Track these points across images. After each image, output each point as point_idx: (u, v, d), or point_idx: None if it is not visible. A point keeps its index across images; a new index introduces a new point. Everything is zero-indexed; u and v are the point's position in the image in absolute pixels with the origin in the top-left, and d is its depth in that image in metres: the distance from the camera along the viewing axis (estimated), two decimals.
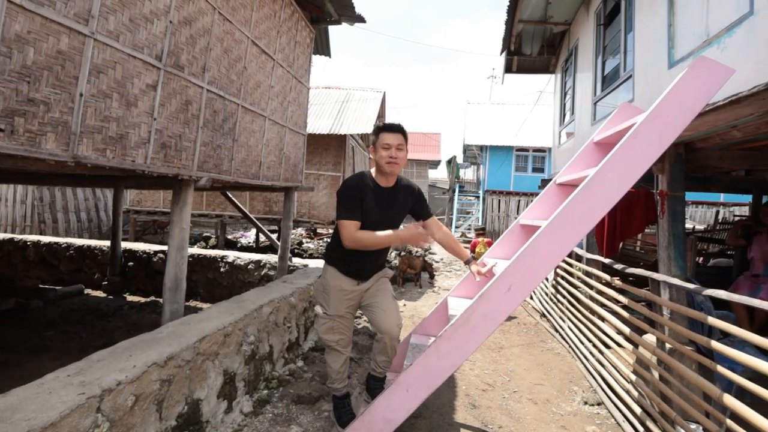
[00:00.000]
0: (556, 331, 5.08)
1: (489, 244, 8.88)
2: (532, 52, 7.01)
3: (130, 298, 6.37)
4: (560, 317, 5.05)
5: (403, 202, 2.52)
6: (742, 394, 2.04)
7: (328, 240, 13.61)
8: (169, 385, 2.20)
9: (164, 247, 6.69)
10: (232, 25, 3.78)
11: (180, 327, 2.72)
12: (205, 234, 13.45)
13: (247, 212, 6.99)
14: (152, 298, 6.31)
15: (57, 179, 5.53)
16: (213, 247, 11.17)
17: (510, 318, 5.85)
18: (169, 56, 2.98)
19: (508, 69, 7.50)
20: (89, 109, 2.36)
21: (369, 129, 8.56)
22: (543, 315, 5.85)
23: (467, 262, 2.69)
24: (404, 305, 6.46)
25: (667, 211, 3.04)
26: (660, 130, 2.14)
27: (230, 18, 3.74)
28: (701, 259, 5.95)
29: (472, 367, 3.99)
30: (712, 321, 1.99)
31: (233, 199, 6.64)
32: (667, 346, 2.61)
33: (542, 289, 6.23)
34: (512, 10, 5.68)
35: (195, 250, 6.89)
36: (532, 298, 6.78)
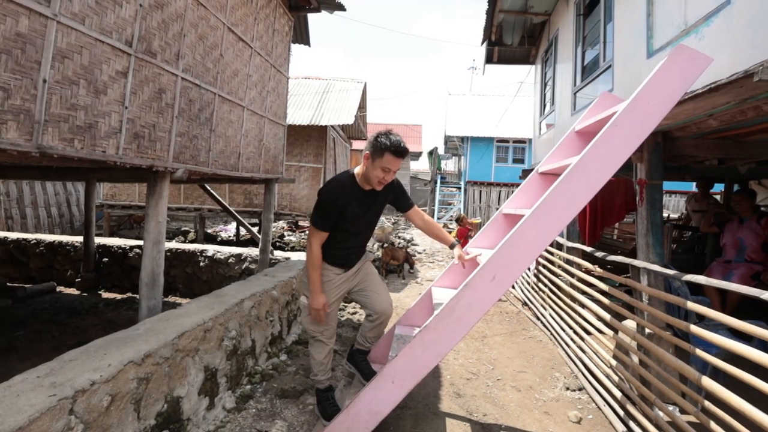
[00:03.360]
0: (538, 319, 5.16)
1: (461, 234, 8.97)
2: (513, 42, 7.03)
3: (105, 294, 6.17)
4: (542, 305, 5.13)
5: (384, 197, 2.53)
6: (717, 375, 2.10)
7: None
8: (147, 383, 2.12)
9: (140, 242, 6.50)
10: (206, 10, 3.64)
11: (158, 323, 2.63)
12: (183, 228, 13.15)
13: (227, 205, 6.84)
14: (129, 294, 6.14)
15: (22, 172, 5.28)
16: (192, 242, 10.93)
17: (501, 300, 5.91)
18: (140, 42, 2.84)
19: (489, 59, 7.50)
20: (54, 97, 2.24)
21: (350, 120, 8.46)
22: (525, 304, 5.94)
23: (452, 247, 2.67)
24: None
25: (646, 200, 3.10)
26: (641, 118, 2.15)
27: (204, 2, 3.59)
28: (675, 246, 6.12)
29: (456, 357, 4.01)
30: (691, 305, 2.03)
31: (212, 191, 6.48)
32: (646, 330, 2.67)
33: (524, 278, 6.31)
34: (493, 0, 5.66)
35: (173, 244, 6.72)
36: (514, 287, 6.87)
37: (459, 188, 17.40)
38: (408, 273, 8.13)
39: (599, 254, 3.25)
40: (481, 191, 15.58)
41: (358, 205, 2.37)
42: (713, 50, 2.27)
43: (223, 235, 13.21)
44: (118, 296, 6.02)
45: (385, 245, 10.81)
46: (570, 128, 3.13)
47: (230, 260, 6.11)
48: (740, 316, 3.27)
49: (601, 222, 3.83)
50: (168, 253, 6.09)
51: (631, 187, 3.71)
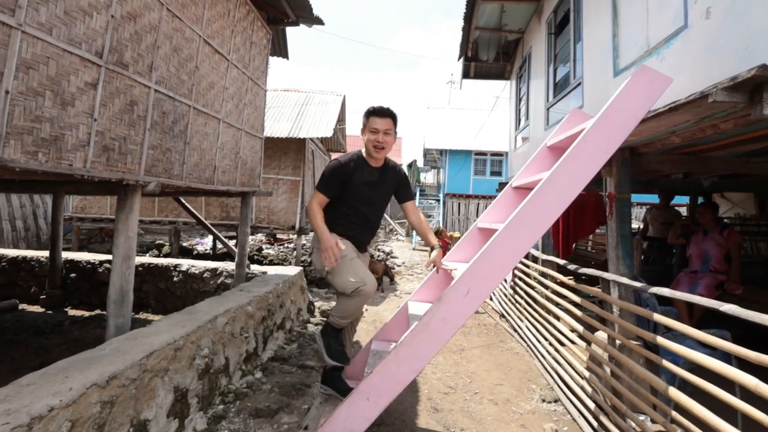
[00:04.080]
0: (515, 331, 5.21)
1: (444, 244, 9.05)
2: (489, 58, 7.21)
3: (71, 312, 5.92)
4: (518, 317, 5.18)
5: (391, 181, 2.66)
6: (685, 385, 2.15)
7: (289, 245, 13.16)
8: (112, 406, 2.03)
9: (111, 257, 6.29)
10: (181, 22, 3.61)
11: (125, 343, 2.54)
12: (158, 242, 12.80)
13: (202, 218, 6.70)
14: (97, 311, 5.91)
15: None
16: (166, 255, 10.64)
17: (479, 312, 5.94)
18: (111, 53, 2.79)
19: (466, 74, 7.67)
20: (17, 108, 2.16)
21: (329, 133, 8.46)
22: (502, 315, 5.99)
23: (432, 249, 2.68)
24: (366, 310, 6.41)
25: (615, 213, 3.19)
26: (608, 135, 2.23)
27: (180, 15, 3.57)
28: (644, 257, 6.31)
29: (434, 371, 4.00)
30: (657, 317, 2.09)
31: (187, 204, 6.35)
32: (617, 342, 2.72)
33: (501, 290, 6.38)
34: (469, 17, 5.80)
35: (146, 258, 6.52)
36: (491, 299, 6.93)
37: (438, 200, 17.56)
38: (387, 286, 8.10)
39: (572, 267, 3.32)
40: (459, 203, 15.77)
41: (364, 175, 2.51)
42: (673, 71, 2.38)
43: (200, 248, 12.90)
44: (86, 314, 5.79)
45: None
46: (543, 143, 3.21)
47: (205, 275, 5.97)
48: (707, 324, 3.37)
49: (574, 235, 3.92)
50: (140, 268, 5.91)
51: (601, 200, 3.81)
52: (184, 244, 13.05)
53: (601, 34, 3.51)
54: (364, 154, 2.58)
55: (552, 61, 5.05)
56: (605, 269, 3.19)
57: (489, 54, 7.16)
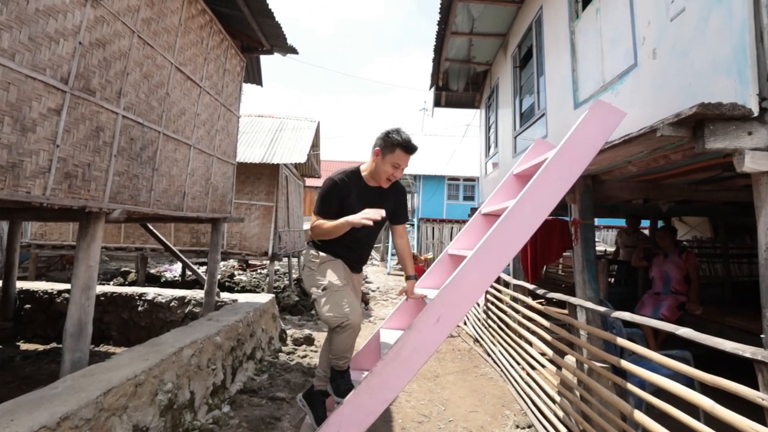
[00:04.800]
0: (489, 355, 5.22)
1: (418, 271, 9.09)
2: (459, 88, 7.48)
3: (24, 346, 5.56)
4: (492, 342, 5.20)
5: (390, 201, 2.48)
6: (652, 408, 2.20)
7: (262, 271, 12.90)
8: None
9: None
10: (153, 49, 3.60)
11: (81, 380, 2.40)
12: (123, 269, 12.30)
13: (170, 245, 6.51)
14: (53, 345, 5.57)
15: None
16: (132, 283, 10.22)
17: (453, 336, 5.92)
18: (77, 79, 2.75)
19: (437, 103, 7.90)
20: None
21: (302, 158, 8.47)
22: (476, 340, 6.00)
23: (407, 278, 2.57)
24: None
25: (580, 238, 3.30)
26: (569, 164, 2.33)
27: (151, 42, 3.56)
28: (612, 279, 6.51)
29: (408, 399, 3.94)
30: (621, 342, 2.15)
31: (154, 231, 6.16)
32: (585, 366, 2.77)
33: (475, 314, 6.41)
34: (439, 49, 6.04)
35: (109, 287, 6.25)
36: (465, 323, 6.95)
37: (412, 225, 17.70)
38: (362, 312, 8.01)
39: (541, 291, 3.39)
40: (433, 228, 15.94)
41: (360, 196, 2.34)
42: (627, 105, 2.54)
43: (168, 275, 12.47)
44: (40, 347, 5.44)
45: None
46: (510, 170, 3.32)
47: (172, 304, 5.75)
48: (671, 345, 3.47)
49: (542, 260, 4.02)
50: (102, 298, 5.65)
51: (566, 226, 3.94)
52: (152, 271, 12.60)
53: (561, 68, 3.71)
54: (362, 173, 2.40)
55: (518, 92, 5.28)
56: (575, 292, 3.27)
57: (459, 84, 7.43)
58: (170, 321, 5.65)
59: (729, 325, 3.86)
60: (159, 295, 5.80)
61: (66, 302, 5.77)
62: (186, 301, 5.77)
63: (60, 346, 5.50)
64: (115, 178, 3.20)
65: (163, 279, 11.63)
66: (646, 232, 6.78)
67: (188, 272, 10.44)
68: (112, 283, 10.53)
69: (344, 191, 2.31)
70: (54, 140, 2.60)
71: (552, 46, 3.99)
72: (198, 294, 5.82)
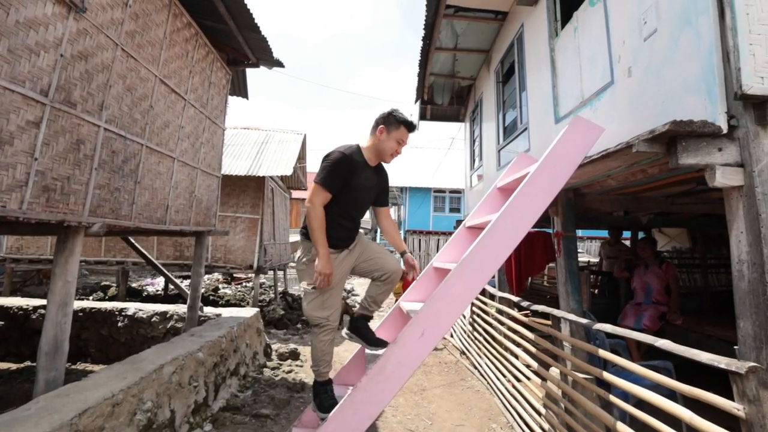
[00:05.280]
0: (476, 368, 5.21)
1: (406, 284, 9.08)
2: (443, 102, 7.59)
3: None
4: (478, 354, 5.20)
5: (380, 184, 2.53)
6: (636, 420, 2.22)
7: (247, 284, 12.73)
8: None
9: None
10: (137, 62, 3.58)
11: (55, 400, 2.32)
12: (104, 283, 11.99)
13: (153, 259, 6.38)
14: (27, 363, 5.38)
15: None
16: (112, 298, 9.97)
17: (438, 349, 5.90)
18: (58, 91, 2.71)
19: (423, 116, 7.99)
20: None
21: (288, 171, 8.44)
22: (463, 353, 5.99)
23: (402, 254, 2.64)
24: None
25: (563, 250, 3.35)
26: (550, 179, 2.38)
27: (135, 55, 3.55)
28: (595, 290, 6.60)
29: (394, 413, 3.90)
30: (603, 354, 2.17)
31: (136, 244, 6.04)
32: (570, 378, 2.79)
33: (461, 326, 6.41)
34: (424, 64, 6.13)
35: (88, 303, 6.08)
36: (452, 335, 6.94)
37: None
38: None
39: (525, 303, 3.42)
40: (420, 240, 15.97)
41: (363, 177, 2.36)
42: (605, 121, 2.61)
43: (150, 289, 12.20)
44: (14, 366, 5.25)
45: None
46: (493, 184, 3.37)
47: (154, 319, 5.62)
48: (654, 355, 3.51)
49: (526, 272, 4.07)
50: (80, 314, 5.50)
51: (549, 239, 4.00)
52: (133, 285, 12.32)
53: (542, 84, 3.80)
54: (363, 151, 2.40)
55: (501, 106, 5.39)
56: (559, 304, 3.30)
57: (444, 98, 7.54)
58: (151, 337, 5.51)
59: (708, 335, 3.94)
60: (140, 310, 5.67)
61: (42, 319, 5.60)
62: (168, 316, 5.65)
63: (34, 364, 5.32)
64: (95, 191, 3.15)
65: (145, 293, 11.37)
66: (628, 243, 6.91)
67: (171, 286, 10.24)
68: (91, 297, 10.26)
69: (352, 167, 2.30)
70: (32, 153, 2.55)
71: (533, 62, 4.09)
72: (181, 308, 5.70)
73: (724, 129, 1.78)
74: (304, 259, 2.37)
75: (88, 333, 5.56)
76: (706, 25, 1.85)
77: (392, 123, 2.37)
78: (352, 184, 2.31)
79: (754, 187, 1.72)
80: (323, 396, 2.34)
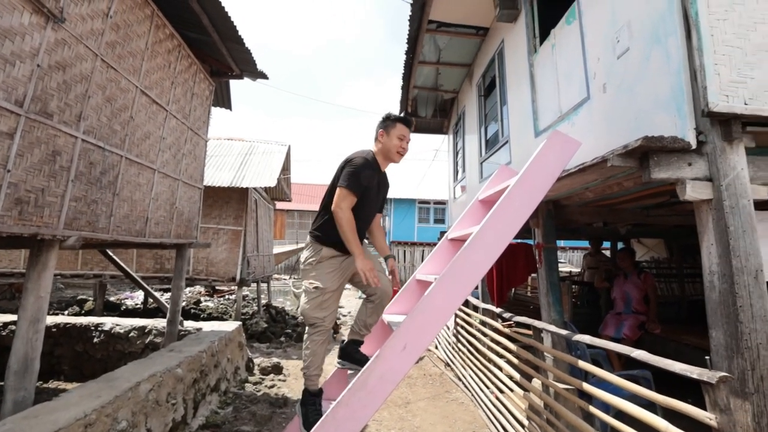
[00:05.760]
0: (460, 380, 5.20)
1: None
2: (427, 114, 7.68)
3: None
4: (463, 366, 5.20)
5: (384, 188, 2.65)
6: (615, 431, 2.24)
7: (230, 297, 12.52)
8: None
9: None
10: (117, 73, 3.54)
11: (23, 422, 2.23)
12: (80, 296, 11.62)
13: (131, 272, 6.24)
14: None
15: None
16: (89, 312, 9.66)
17: (422, 360, 5.87)
18: (33, 102, 2.66)
19: None
20: None
21: (272, 182, 8.40)
22: (447, 364, 5.97)
23: (386, 258, 2.67)
24: None
25: (544, 261, 3.40)
26: (529, 192, 2.42)
27: (116, 66, 3.51)
28: (577, 301, 6.69)
29: (378, 428, 3.85)
30: (582, 365, 2.20)
31: (114, 257, 5.90)
32: (551, 389, 2.81)
33: (446, 338, 6.41)
34: (407, 78, 6.21)
35: (62, 318, 5.88)
36: (437, 347, 6.92)
37: None
38: (332, 338, 7.85)
39: (507, 315, 3.44)
40: (405, 251, 16.00)
41: (377, 182, 2.48)
42: (582, 135, 2.67)
43: (129, 303, 11.88)
44: None
45: None
46: (475, 196, 3.41)
47: (131, 334, 5.47)
48: (634, 364, 3.57)
49: (508, 284, 4.11)
50: (54, 330, 5.32)
51: (530, 250, 4.06)
52: (111, 299, 11.98)
53: (522, 99, 3.89)
54: (376, 157, 2.51)
55: (483, 119, 5.48)
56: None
57: (427, 110, 7.64)
58: (129, 353, 5.35)
59: (685, 343, 4.02)
60: (117, 325, 5.51)
61: (12, 335, 5.39)
62: (147, 331, 5.50)
63: (2, 383, 5.10)
64: (71, 203, 3.07)
65: (124, 307, 11.07)
66: (608, 253, 7.04)
67: (151, 300, 10.00)
68: (66, 312, 9.93)
69: (374, 173, 2.43)
70: (5, 165, 2.49)
71: (513, 77, 4.19)
72: (160, 323, 5.56)
73: (693, 144, 1.85)
74: (311, 259, 2.42)
75: (61, 349, 5.37)
76: (674, 46, 1.93)
77: (389, 124, 2.51)
78: (369, 189, 2.41)
79: (722, 201, 1.78)
80: (310, 409, 2.35)
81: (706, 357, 1.67)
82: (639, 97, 2.19)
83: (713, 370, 1.68)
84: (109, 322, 5.60)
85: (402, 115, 2.52)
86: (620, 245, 6.52)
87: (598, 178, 2.57)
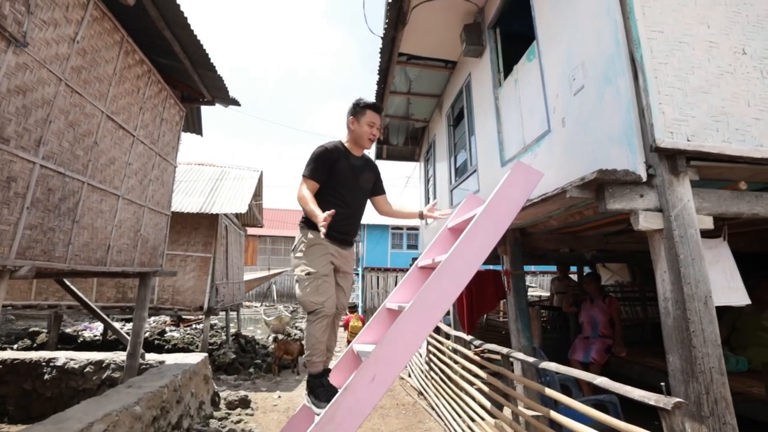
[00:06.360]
0: (433, 409, 5.12)
1: (362, 320, 9.00)
2: (399, 142, 7.84)
3: None
4: (436, 395, 5.14)
5: (370, 172, 2.71)
6: None
7: (198, 326, 12.06)
8: None
9: None
10: (82, 98, 3.47)
11: None
12: (32, 329, 10.89)
13: (90, 302, 5.92)
14: None
15: None
16: (41, 346, 9.05)
17: (394, 390, 5.76)
18: None
19: (379, 156, 8.19)
20: None
21: (243, 209, 8.27)
22: (420, 393, 5.89)
23: (420, 216, 2.86)
24: (278, 397, 5.94)
25: (513, 288, 3.46)
26: (495, 221, 2.48)
27: (81, 91, 3.44)
28: (547, 326, 6.79)
29: None
30: (549, 392, 2.22)
31: (71, 287, 5.60)
32: (521, 418, 2.81)
33: (419, 366, 6.34)
34: None
35: (9, 353, 5.50)
36: (410, 375, 6.83)
37: (357, 274, 17.58)
38: (303, 368, 7.63)
39: (477, 342, 3.45)
40: (378, 277, 15.90)
41: (348, 163, 2.53)
42: (545, 166, 2.79)
43: (87, 334, 11.23)
44: None
45: (280, 338, 10.23)
46: (445, 224, 3.47)
47: (87, 369, 5.15)
48: (601, 389, 3.61)
49: (478, 311, 4.15)
50: None
51: (499, 277, 4.13)
52: (68, 330, 11.29)
53: (488, 130, 4.04)
54: (345, 144, 2.62)
55: (453, 148, 5.64)
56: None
57: (399, 138, 7.80)
58: (83, 390, 5.03)
59: (650, 366, 4.12)
60: (71, 359, 5.18)
61: None
62: (104, 365, 5.19)
63: None
64: (26, 231, 2.93)
65: (81, 339, 10.44)
66: (575, 277, 7.23)
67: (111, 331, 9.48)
68: (15, 346, 9.28)
69: (334, 156, 2.50)
70: None
71: (480, 109, 4.36)
72: (119, 356, 5.28)
73: (644, 177, 1.96)
74: (300, 246, 2.46)
75: (7, 388, 4.99)
76: (624, 85, 2.07)
77: (359, 111, 2.58)
78: (336, 169, 2.49)
79: (672, 230, 1.89)
80: (319, 390, 2.34)
81: (662, 384, 1.72)
82: (595, 131, 2.32)
83: (671, 395, 1.73)
84: (62, 356, 5.26)
85: (371, 102, 2.62)
86: (587, 270, 6.72)
87: (560, 208, 2.67)
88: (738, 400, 2.52)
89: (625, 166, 2.02)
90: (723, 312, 3.60)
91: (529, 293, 11.14)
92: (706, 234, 1.98)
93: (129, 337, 4.93)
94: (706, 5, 2.11)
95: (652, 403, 1.56)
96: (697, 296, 1.82)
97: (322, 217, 2.20)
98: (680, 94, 1.98)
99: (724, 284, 2.01)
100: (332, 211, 2.19)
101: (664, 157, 1.96)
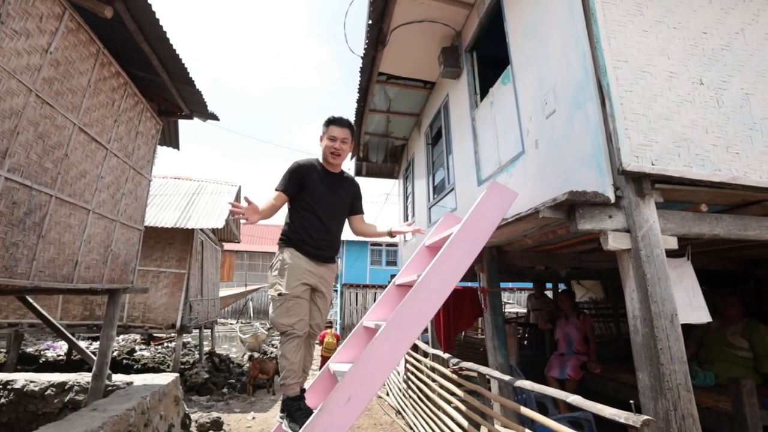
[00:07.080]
0: (411, 429, 5.06)
1: (337, 336, 8.87)
2: (378, 159, 7.91)
3: None
4: (414, 414, 5.08)
5: (347, 189, 2.73)
6: None
7: (170, 344, 11.68)
8: None
9: None
10: (53, 109, 3.38)
11: None
12: None
13: (53, 320, 5.65)
14: None
15: None
16: (0, 367, 8.56)
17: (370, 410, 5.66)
18: None
19: (359, 173, 8.23)
20: None
21: (220, 224, 8.13)
22: (398, 412, 5.81)
23: (390, 234, 2.89)
24: (253, 419, 5.76)
25: (489, 305, 3.49)
26: (471, 240, 2.52)
27: (52, 102, 3.36)
28: (526, 342, 6.86)
29: None
30: (524, 411, 2.23)
31: (34, 304, 5.35)
32: None
33: (397, 384, 6.27)
34: (359, 124, 6.41)
35: None
36: (388, 394, 6.74)
37: (336, 291, 17.41)
38: (279, 388, 7.45)
39: (454, 361, 3.45)
40: (357, 293, 15.79)
41: (321, 178, 2.58)
42: (519, 186, 2.86)
43: (50, 354, 10.70)
44: None
45: (255, 356, 9.98)
46: (422, 242, 3.49)
47: (48, 392, 4.88)
48: (576, 406, 3.65)
49: (455, 329, 4.16)
50: None
51: (476, 295, 4.16)
52: (29, 350, 10.74)
53: (466, 149, 4.12)
54: (321, 160, 2.68)
55: (431, 166, 5.72)
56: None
57: (378, 156, 7.87)
58: (43, 414, 4.76)
59: (623, 381, 4.19)
60: (31, 381, 4.91)
61: None
62: (67, 387, 4.94)
63: None
64: None
65: (43, 359, 9.94)
66: (551, 294, 7.35)
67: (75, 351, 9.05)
68: None
69: (306, 171, 2.56)
70: None
71: (457, 129, 4.45)
72: (84, 377, 5.03)
73: (612, 199, 2.04)
74: (276, 265, 2.48)
75: None
76: (592, 111, 2.16)
77: (323, 127, 2.68)
78: (308, 184, 2.55)
79: (639, 250, 1.96)
80: (296, 414, 2.30)
81: (631, 401, 1.76)
82: (567, 153, 2.40)
83: (641, 412, 1.77)
84: (21, 378, 4.98)
85: (332, 116, 2.69)
86: (562, 287, 6.85)
87: (534, 227, 2.74)
88: (705, 415, 2.59)
89: (594, 187, 2.09)
90: (691, 328, 3.72)
91: (506, 309, 11.25)
92: (671, 254, 2.06)
93: (95, 357, 4.72)
94: (666, 38, 2.24)
95: (622, 420, 1.59)
96: (663, 314, 1.89)
97: (243, 206, 2.31)
98: (644, 120, 2.08)
99: (687, 302, 2.09)
100: (251, 204, 2.29)
101: (631, 179, 2.05)
